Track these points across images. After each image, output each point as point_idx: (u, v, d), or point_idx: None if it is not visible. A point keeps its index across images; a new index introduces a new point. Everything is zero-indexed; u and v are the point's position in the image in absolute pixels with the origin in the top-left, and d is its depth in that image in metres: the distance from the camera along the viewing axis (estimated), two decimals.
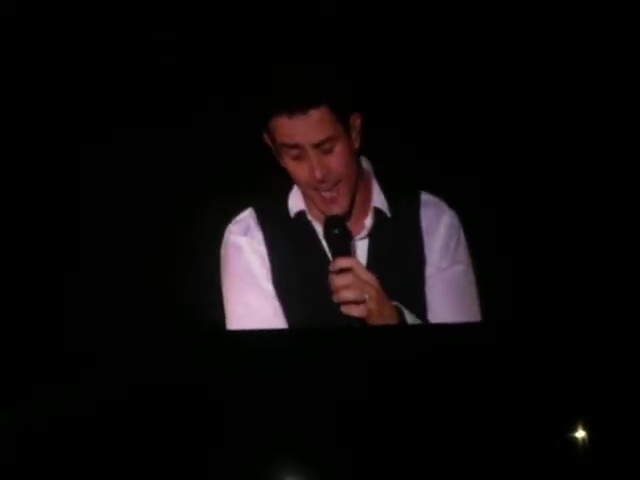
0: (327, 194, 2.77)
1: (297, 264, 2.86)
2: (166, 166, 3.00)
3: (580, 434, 3.07)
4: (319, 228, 2.86)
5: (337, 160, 2.74)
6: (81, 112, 3.01)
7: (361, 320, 2.67)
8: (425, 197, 2.94)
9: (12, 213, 2.99)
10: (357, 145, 2.81)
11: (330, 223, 2.74)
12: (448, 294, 2.86)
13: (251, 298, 2.85)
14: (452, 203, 2.94)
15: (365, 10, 3.08)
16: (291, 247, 2.87)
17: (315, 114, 2.70)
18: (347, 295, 2.64)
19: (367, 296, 2.65)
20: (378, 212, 2.90)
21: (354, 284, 2.65)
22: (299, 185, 2.84)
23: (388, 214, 2.90)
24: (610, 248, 3.07)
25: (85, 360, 2.91)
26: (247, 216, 2.91)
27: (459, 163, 3.04)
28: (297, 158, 2.74)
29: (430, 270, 2.87)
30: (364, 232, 2.86)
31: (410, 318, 2.76)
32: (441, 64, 3.07)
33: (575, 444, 3.06)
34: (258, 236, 2.88)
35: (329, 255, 2.80)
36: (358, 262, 2.72)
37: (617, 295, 3.05)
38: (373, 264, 2.83)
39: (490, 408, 3.01)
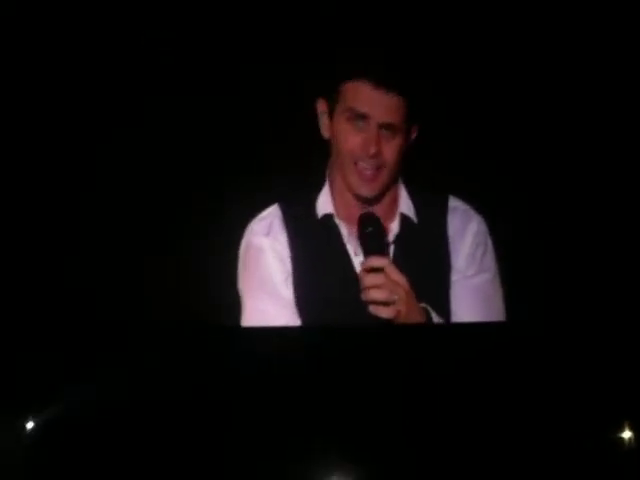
0: (367, 171, 2.77)
1: (320, 267, 2.86)
2: (193, 155, 3.02)
3: (627, 434, 2.99)
4: (345, 231, 2.86)
5: (391, 149, 2.76)
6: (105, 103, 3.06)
7: (388, 321, 2.65)
8: (453, 203, 2.93)
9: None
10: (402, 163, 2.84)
11: (364, 221, 2.74)
12: (473, 302, 2.84)
13: (268, 306, 2.85)
14: (480, 209, 2.93)
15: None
16: (315, 249, 2.87)
17: (395, 99, 2.73)
18: (377, 295, 2.63)
19: (397, 297, 2.63)
20: (404, 218, 2.90)
21: (385, 284, 2.63)
22: (340, 154, 2.80)
23: (415, 220, 2.90)
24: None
25: (93, 358, 2.94)
26: (272, 214, 2.90)
27: (487, 169, 3.03)
28: (357, 127, 2.75)
29: (456, 277, 2.86)
30: (390, 237, 2.86)
31: (437, 321, 2.74)
32: (470, 70, 3.08)
33: (622, 444, 2.98)
34: (281, 237, 2.87)
35: (353, 260, 2.84)
36: (390, 262, 2.69)
37: None
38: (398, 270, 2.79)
39: (534, 408, 2.95)
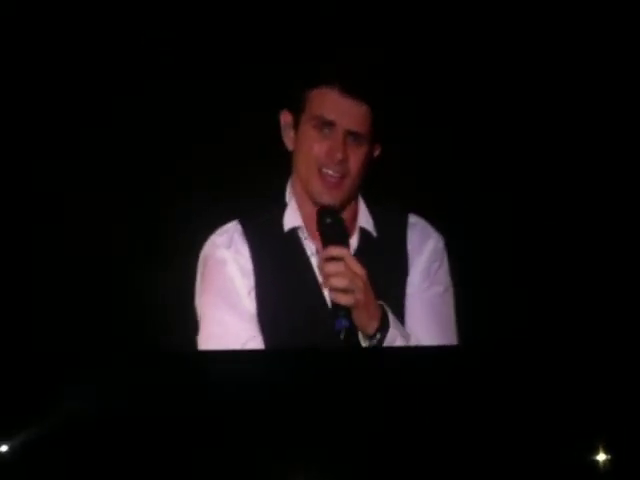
0: (332, 178, 2.75)
1: (284, 282, 2.81)
2: (151, 168, 3.00)
3: (601, 457, 2.87)
4: (312, 246, 2.83)
5: (356, 158, 2.75)
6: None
7: (347, 310, 2.62)
8: (413, 219, 2.93)
9: None
10: (365, 176, 2.82)
11: (323, 213, 2.72)
12: (425, 315, 2.83)
13: (229, 318, 2.78)
14: (439, 227, 2.93)
15: None
16: (279, 264, 2.82)
17: (363, 107, 2.73)
18: (337, 283, 2.62)
19: (356, 287, 2.62)
20: (364, 232, 2.88)
21: (344, 273, 2.62)
22: (305, 162, 2.78)
23: (374, 234, 2.88)
24: (595, 273, 3.06)
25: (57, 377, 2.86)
26: (232, 228, 2.86)
27: (447, 187, 3.07)
28: (323, 134, 2.74)
29: (410, 290, 2.85)
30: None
31: (392, 319, 2.71)
32: (433, 89, 3.11)
33: (596, 467, 2.86)
34: (244, 250, 2.82)
35: (317, 275, 2.79)
36: (349, 253, 2.69)
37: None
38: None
39: (506, 431, 2.86)
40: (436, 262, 2.88)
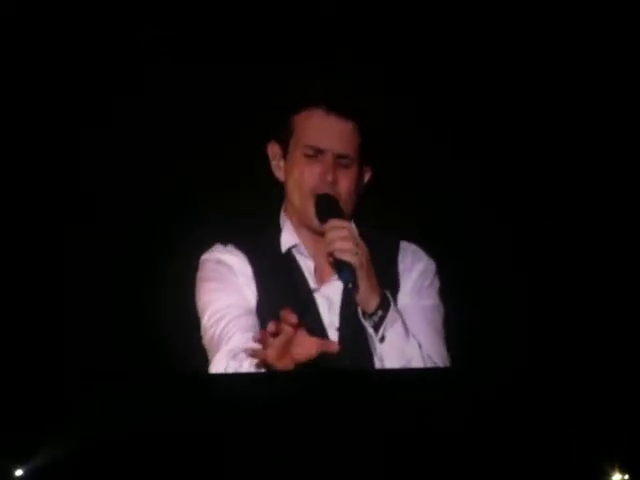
0: None
1: (281, 299, 2.75)
2: (146, 197, 3.00)
3: (617, 477, 2.70)
4: (310, 264, 2.85)
5: (346, 180, 2.78)
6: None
7: (351, 268, 2.60)
8: (404, 244, 2.97)
9: None
10: (357, 200, 2.86)
11: (321, 196, 2.74)
12: (419, 321, 2.81)
13: (234, 298, 2.76)
14: (431, 253, 2.96)
15: None
16: (277, 280, 2.82)
17: (349, 126, 2.77)
18: (342, 245, 2.62)
19: (360, 251, 2.63)
20: None
21: (348, 237, 2.63)
22: (298, 190, 2.81)
23: None
24: (589, 297, 3.11)
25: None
26: (229, 247, 2.86)
27: (440, 213, 3.15)
28: (312, 160, 2.77)
29: (401, 303, 2.84)
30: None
31: (394, 305, 2.71)
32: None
33: None
34: (243, 261, 2.82)
35: (313, 292, 2.82)
36: (351, 225, 2.72)
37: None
38: (347, 304, 2.80)
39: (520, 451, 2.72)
40: (426, 280, 2.89)
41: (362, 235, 2.83)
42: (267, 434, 2.78)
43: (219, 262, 2.83)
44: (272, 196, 2.93)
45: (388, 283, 2.79)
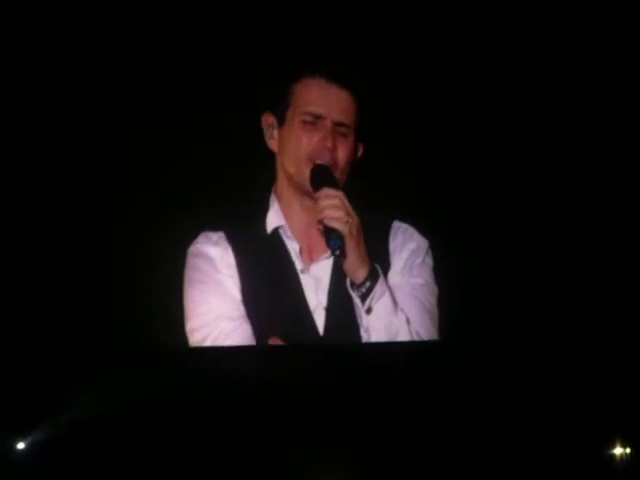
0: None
1: (267, 283, 2.79)
2: (140, 179, 3.00)
3: (618, 450, 2.65)
4: (296, 246, 2.82)
5: (343, 150, 2.78)
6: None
7: (340, 236, 2.60)
8: (397, 224, 2.92)
9: None
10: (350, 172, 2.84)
11: (318, 167, 2.73)
12: (408, 299, 2.77)
13: (215, 298, 2.76)
14: (424, 231, 2.92)
15: None
16: (262, 265, 2.81)
17: (348, 95, 2.77)
18: (333, 213, 2.62)
19: (350, 219, 2.62)
20: None
21: (339, 205, 2.63)
22: (295, 156, 2.79)
23: None
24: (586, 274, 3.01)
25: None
26: (216, 235, 2.85)
27: (433, 194, 3.05)
28: (310, 127, 2.76)
29: (392, 281, 2.79)
30: (329, 252, 2.74)
31: (382, 278, 2.68)
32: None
33: (614, 461, 2.64)
34: (228, 252, 2.82)
35: (300, 277, 2.80)
36: (344, 195, 2.68)
37: None
38: (336, 281, 2.78)
39: (522, 424, 2.69)
40: (417, 259, 2.85)
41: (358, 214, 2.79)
42: (255, 409, 2.80)
43: (200, 256, 2.82)
44: (264, 177, 2.90)
45: (379, 262, 2.74)
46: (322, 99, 2.76)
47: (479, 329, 2.86)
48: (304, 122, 2.76)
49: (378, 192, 2.98)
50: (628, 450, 2.77)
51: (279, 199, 2.86)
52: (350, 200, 2.77)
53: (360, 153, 2.88)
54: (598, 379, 2.78)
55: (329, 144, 2.73)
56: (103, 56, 3.04)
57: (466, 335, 2.83)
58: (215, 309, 2.74)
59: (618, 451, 2.75)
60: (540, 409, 2.77)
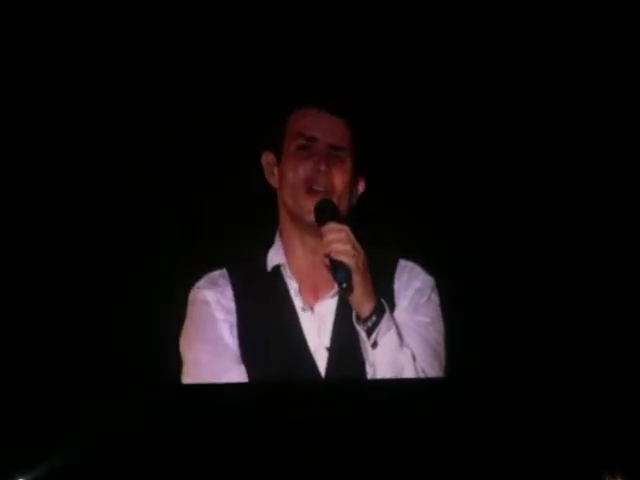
0: (320, 194, 2.77)
1: (266, 321, 2.80)
2: (140, 224, 3.05)
3: None
4: (295, 285, 2.84)
5: (340, 175, 2.80)
6: None
7: (346, 269, 2.61)
8: (403, 262, 2.94)
9: None
10: (353, 203, 2.87)
11: (322, 202, 2.74)
12: (413, 336, 2.78)
13: (203, 355, 2.77)
14: (429, 270, 2.93)
15: None
16: (262, 303, 2.82)
17: (340, 121, 2.81)
18: (340, 247, 2.63)
19: (356, 253, 2.63)
20: None
21: (346, 239, 2.64)
22: (293, 185, 2.80)
23: None
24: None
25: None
26: (218, 273, 2.89)
27: (440, 235, 3.13)
28: (306, 153, 2.79)
29: (397, 319, 2.79)
30: (334, 290, 2.81)
31: (389, 314, 2.70)
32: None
33: None
34: (227, 292, 2.84)
35: (299, 315, 2.81)
36: (349, 230, 2.69)
37: None
38: (341, 319, 2.79)
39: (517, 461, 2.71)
40: (423, 298, 2.85)
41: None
42: (259, 447, 2.81)
43: (196, 302, 2.84)
44: (269, 216, 2.94)
45: (384, 300, 2.74)
46: (315, 124, 2.81)
47: (485, 366, 2.89)
48: (298, 147, 2.80)
49: (383, 228, 3.06)
50: None
51: (281, 237, 2.89)
52: (355, 235, 2.80)
53: (361, 189, 2.90)
54: (597, 412, 2.79)
55: (323, 167, 2.75)
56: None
57: (472, 372, 2.83)
58: (204, 368, 2.75)
59: None
60: (535, 443, 2.79)
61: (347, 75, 3.02)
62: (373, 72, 3.12)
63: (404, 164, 3.14)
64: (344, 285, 2.61)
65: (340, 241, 2.63)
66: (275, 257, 2.86)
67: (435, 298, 2.87)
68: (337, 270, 2.62)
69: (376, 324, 2.66)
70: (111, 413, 2.79)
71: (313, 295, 2.84)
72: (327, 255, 2.64)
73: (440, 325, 2.85)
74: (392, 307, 2.80)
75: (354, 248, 2.63)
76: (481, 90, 3.14)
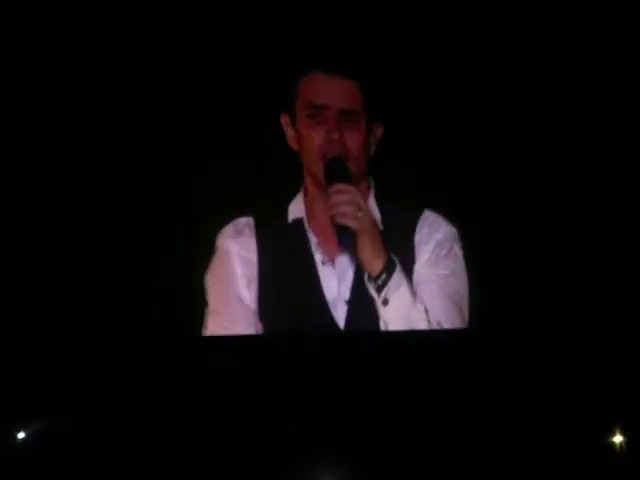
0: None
1: (286, 274, 2.87)
2: (166, 170, 3.08)
3: (618, 439, 2.79)
4: (314, 239, 2.87)
5: (354, 139, 2.80)
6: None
7: (351, 233, 2.67)
8: (426, 214, 2.92)
9: None
10: (371, 153, 2.88)
11: (332, 159, 2.77)
12: (431, 289, 2.80)
13: (224, 308, 2.87)
14: (453, 219, 2.92)
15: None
16: (282, 255, 2.88)
17: (350, 84, 2.80)
18: (345, 209, 2.66)
19: (362, 214, 2.67)
20: None
21: (351, 201, 2.67)
22: (309, 153, 2.83)
23: (380, 227, 2.84)
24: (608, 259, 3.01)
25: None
26: (244, 221, 2.94)
27: (462, 181, 3.05)
28: (317, 121, 2.80)
29: (416, 275, 2.83)
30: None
31: (400, 269, 2.71)
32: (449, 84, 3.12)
33: (613, 449, 2.78)
34: (249, 243, 2.90)
35: (319, 269, 2.86)
36: (356, 189, 2.72)
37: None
38: (359, 274, 2.80)
39: (521, 415, 2.82)
40: (443, 250, 2.85)
41: (383, 209, 2.90)
42: (274, 395, 2.84)
43: (220, 251, 2.91)
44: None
45: (404, 255, 2.78)
46: (322, 89, 2.79)
47: (507, 318, 2.89)
48: (309, 116, 2.80)
49: (406, 181, 3.00)
50: (627, 438, 2.86)
51: (305, 194, 2.92)
52: (377, 192, 2.90)
53: (379, 134, 2.89)
54: (602, 371, 2.85)
55: (335, 136, 2.75)
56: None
57: (492, 324, 2.86)
58: (223, 322, 2.86)
59: (618, 439, 2.88)
60: (543, 400, 2.84)
61: (352, 33, 2.98)
62: (380, 27, 3.06)
63: (423, 112, 3.12)
64: (349, 248, 2.68)
65: (345, 203, 2.65)
66: (296, 210, 2.91)
67: (458, 250, 2.86)
68: (342, 234, 2.66)
69: (386, 282, 2.68)
70: (127, 366, 2.97)
71: (334, 248, 2.85)
72: (332, 218, 2.67)
73: (463, 277, 2.84)
74: (413, 261, 2.82)
75: (359, 209, 2.65)
76: (497, 39, 3.12)
